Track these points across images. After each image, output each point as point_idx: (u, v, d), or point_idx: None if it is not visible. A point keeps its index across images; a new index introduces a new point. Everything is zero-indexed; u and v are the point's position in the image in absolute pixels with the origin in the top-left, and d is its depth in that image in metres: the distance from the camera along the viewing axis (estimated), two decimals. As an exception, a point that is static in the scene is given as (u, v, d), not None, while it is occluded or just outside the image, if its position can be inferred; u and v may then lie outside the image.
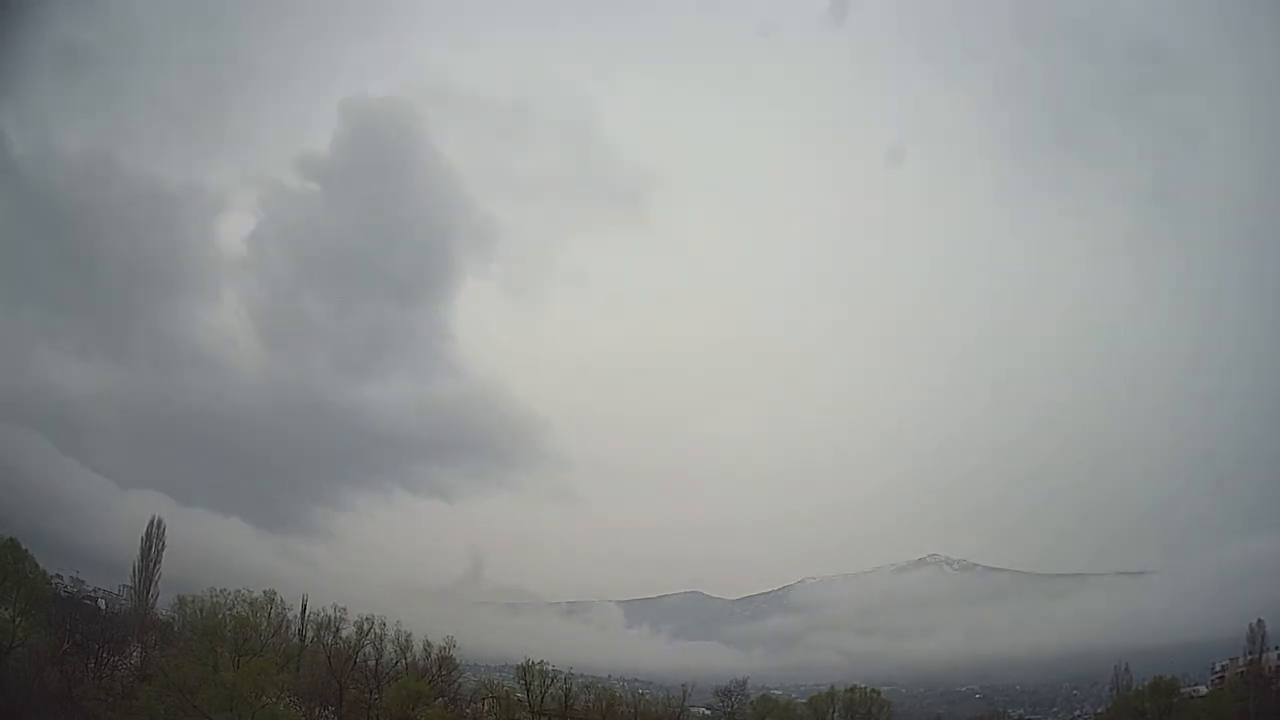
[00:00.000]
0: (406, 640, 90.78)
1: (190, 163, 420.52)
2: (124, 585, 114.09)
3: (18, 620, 75.07)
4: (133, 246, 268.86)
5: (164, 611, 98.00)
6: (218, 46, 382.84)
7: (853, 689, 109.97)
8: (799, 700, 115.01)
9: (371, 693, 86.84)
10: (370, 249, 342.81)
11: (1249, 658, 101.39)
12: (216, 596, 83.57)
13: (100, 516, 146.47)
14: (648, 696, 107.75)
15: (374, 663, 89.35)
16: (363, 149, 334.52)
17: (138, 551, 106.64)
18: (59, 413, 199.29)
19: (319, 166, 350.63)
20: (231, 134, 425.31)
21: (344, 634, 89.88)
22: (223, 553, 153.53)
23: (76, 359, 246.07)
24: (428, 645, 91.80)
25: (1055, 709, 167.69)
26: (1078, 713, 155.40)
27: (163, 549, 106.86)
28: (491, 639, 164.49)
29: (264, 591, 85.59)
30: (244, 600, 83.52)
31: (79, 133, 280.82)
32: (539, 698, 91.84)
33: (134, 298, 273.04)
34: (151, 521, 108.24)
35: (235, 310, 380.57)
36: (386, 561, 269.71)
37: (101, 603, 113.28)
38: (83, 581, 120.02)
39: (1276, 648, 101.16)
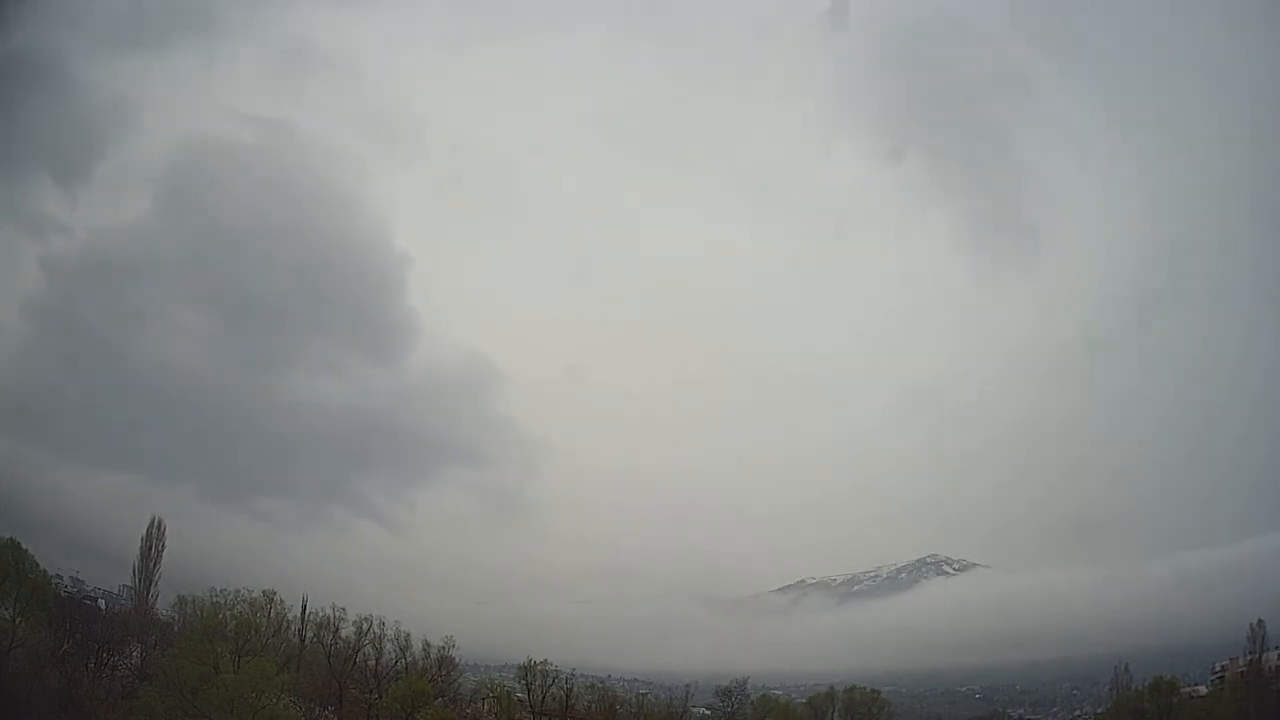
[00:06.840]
0: (406, 640, 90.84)
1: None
2: (124, 585, 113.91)
3: (18, 620, 75.01)
4: None
5: (164, 611, 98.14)
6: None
7: (852, 689, 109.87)
8: (799, 700, 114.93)
9: (372, 693, 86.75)
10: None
11: (1249, 658, 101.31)
12: (216, 596, 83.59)
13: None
14: (649, 697, 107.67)
15: (374, 663, 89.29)
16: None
17: (137, 551, 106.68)
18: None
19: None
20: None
21: (344, 634, 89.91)
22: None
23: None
24: (427, 645, 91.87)
25: (1055, 709, 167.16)
26: (1078, 713, 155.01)
27: (163, 549, 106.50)
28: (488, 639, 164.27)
29: (263, 591, 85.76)
30: (244, 600, 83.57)
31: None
32: (540, 698, 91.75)
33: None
34: (151, 521, 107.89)
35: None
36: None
37: (101, 603, 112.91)
38: (83, 581, 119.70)
39: (1276, 648, 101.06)
